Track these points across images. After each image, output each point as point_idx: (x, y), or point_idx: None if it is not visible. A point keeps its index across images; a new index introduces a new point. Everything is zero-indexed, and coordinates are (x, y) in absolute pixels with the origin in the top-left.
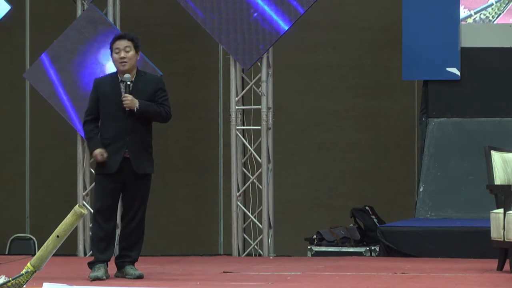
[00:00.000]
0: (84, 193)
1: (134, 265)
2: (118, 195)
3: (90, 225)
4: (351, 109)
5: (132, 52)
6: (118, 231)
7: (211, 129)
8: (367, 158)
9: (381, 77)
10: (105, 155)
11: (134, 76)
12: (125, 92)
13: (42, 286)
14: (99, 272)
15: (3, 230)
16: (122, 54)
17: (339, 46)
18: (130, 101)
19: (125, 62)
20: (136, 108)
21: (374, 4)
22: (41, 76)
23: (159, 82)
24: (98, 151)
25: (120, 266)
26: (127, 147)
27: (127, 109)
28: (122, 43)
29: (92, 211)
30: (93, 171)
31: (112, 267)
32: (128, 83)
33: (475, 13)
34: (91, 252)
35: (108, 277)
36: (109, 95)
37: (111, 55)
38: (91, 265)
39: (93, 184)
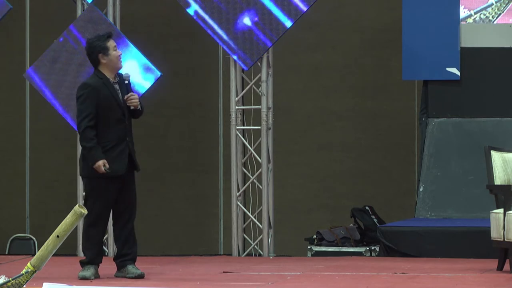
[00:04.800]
0: (84, 193)
1: (135, 264)
2: (117, 196)
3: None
4: (351, 109)
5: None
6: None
7: (211, 129)
8: (367, 158)
9: (381, 77)
10: (107, 166)
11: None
12: (126, 91)
13: (42, 286)
14: (88, 272)
15: (3, 230)
16: (119, 52)
17: (339, 46)
18: (137, 99)
19: (121, 60)
20: (140, 106)
21: (374, 4)
22: (41, 76)
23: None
24: (102, 162)
25: (121, 266)
26: (128, 148)
27: (132, 107)
28: (114, 42)
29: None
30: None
31: (111, 267)
32: (127, 82)
33: (475, 13)
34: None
35: (98, 277)
36: (110, 98)
37: (108, 52)
38: (84, 264)
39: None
